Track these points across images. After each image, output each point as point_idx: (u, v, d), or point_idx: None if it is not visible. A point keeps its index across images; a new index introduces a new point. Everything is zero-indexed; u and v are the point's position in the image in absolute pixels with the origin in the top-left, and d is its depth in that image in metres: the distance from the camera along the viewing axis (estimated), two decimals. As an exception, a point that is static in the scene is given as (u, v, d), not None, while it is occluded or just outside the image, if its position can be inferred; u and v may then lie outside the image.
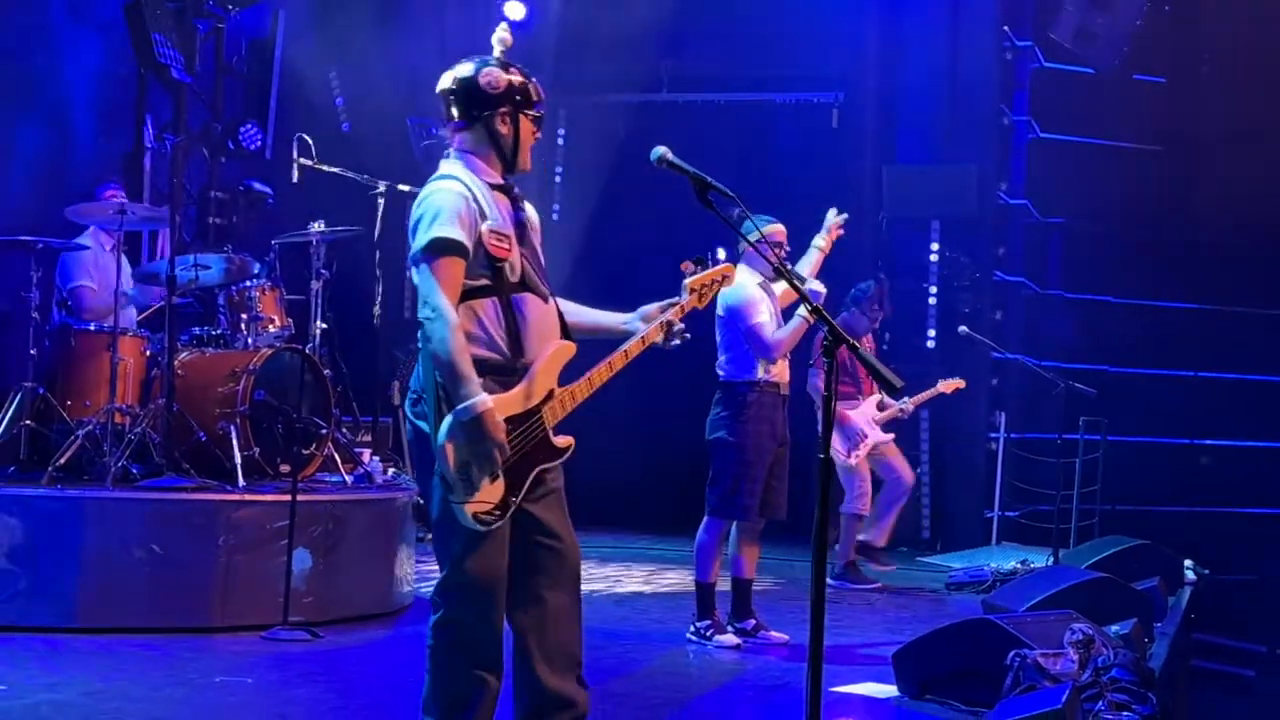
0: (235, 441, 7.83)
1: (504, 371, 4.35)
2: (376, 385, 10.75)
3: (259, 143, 10.82)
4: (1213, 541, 11.61)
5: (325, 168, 9.53)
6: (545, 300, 4.53)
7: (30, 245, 7.90)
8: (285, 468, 7.81)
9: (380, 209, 9.72)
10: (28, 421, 7.70)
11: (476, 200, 4.38)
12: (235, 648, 6.84)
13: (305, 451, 8.04)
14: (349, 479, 8.41)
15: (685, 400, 8.52)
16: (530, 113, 4.58)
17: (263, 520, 7.43)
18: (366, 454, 9.02)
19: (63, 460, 7.54)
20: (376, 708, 5.91)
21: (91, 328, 8.15)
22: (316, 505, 7.67)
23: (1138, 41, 12.73)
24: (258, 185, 10.71)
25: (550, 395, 4.44)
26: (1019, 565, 10.05)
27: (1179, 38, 13.20)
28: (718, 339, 7.53)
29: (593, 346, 4.74)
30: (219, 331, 8.58)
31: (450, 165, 4.51)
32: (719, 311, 7.48)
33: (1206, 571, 10.28)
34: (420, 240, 4.29)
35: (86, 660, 6.34)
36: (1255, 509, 12.94)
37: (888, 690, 6.33)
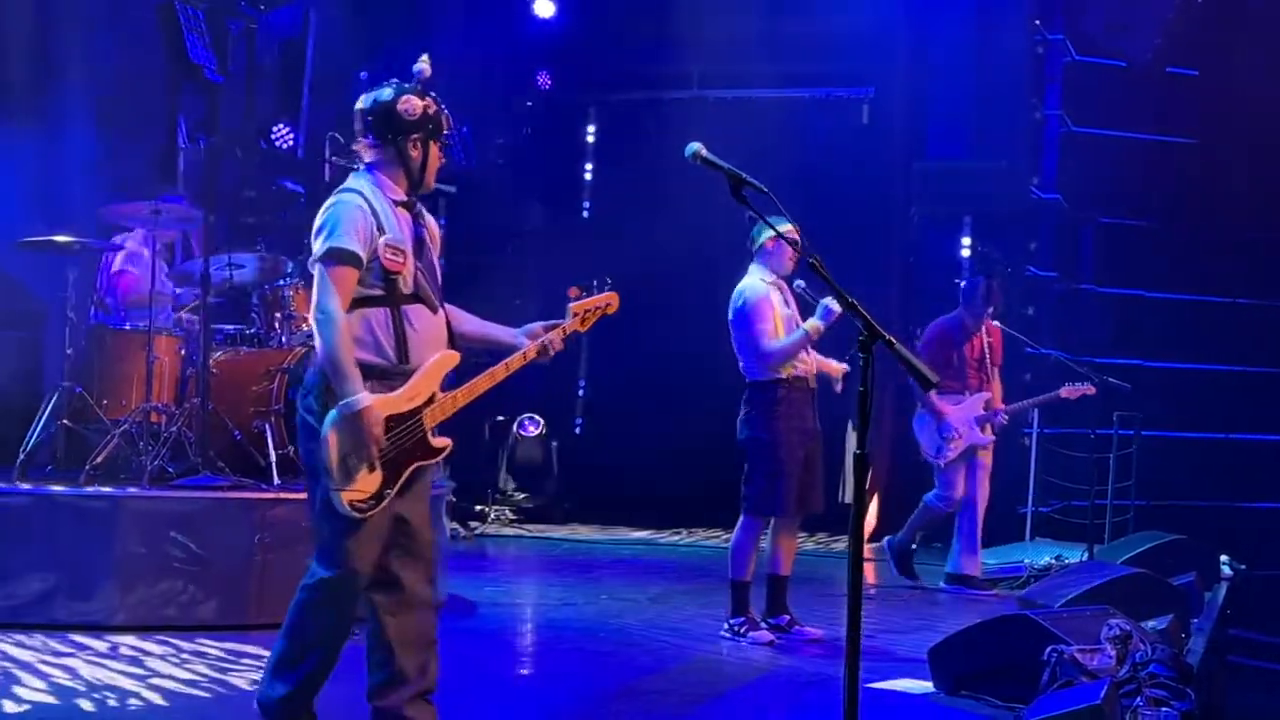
0: (270, 440, 7.87)
1: (390, 376, 4.68)
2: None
3: (291, 142, 10.86)
4: (1249, 536, 11.55)
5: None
6: (435, 311, 4.86)
7: (66, 245, 7.95)
8: (319, 466, 7.84)
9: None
10: (64, 421, 7.74)
11: (376, 215, 4.69)
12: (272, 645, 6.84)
13: (339, 450, 8.05)
14: (383, 477, 8.42)
15: (714, 401, 8.53)
16: (440, 139, 4.93)
17: (297, 518, 7.43)
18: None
19: (99, 459, 7.59)
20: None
21: (127, 326, 8.19)
22: (351, 503, 7.70)
23: (1170, 33, 12.66)
24: (290, 184, 10.74)
25: (432, 399, 4.77)
26: (1053, 561, 10.01)
27: (1212, 29, 13.09)
28: (733, 340, 7.60)
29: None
30: (253, 330, 8.62)
31: (357, 180, 4.82)
32: (731, 314, 7.57)
33: (1243, 566, 10.23)
34: (318, 248, 4.63)
35: (125, 660, 6.36)
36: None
37: (923, 686, 6.32)
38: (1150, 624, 6.36)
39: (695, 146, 4.42)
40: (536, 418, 13.83)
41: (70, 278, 7.99)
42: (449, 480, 9.23)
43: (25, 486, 7.37)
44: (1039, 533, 11.71)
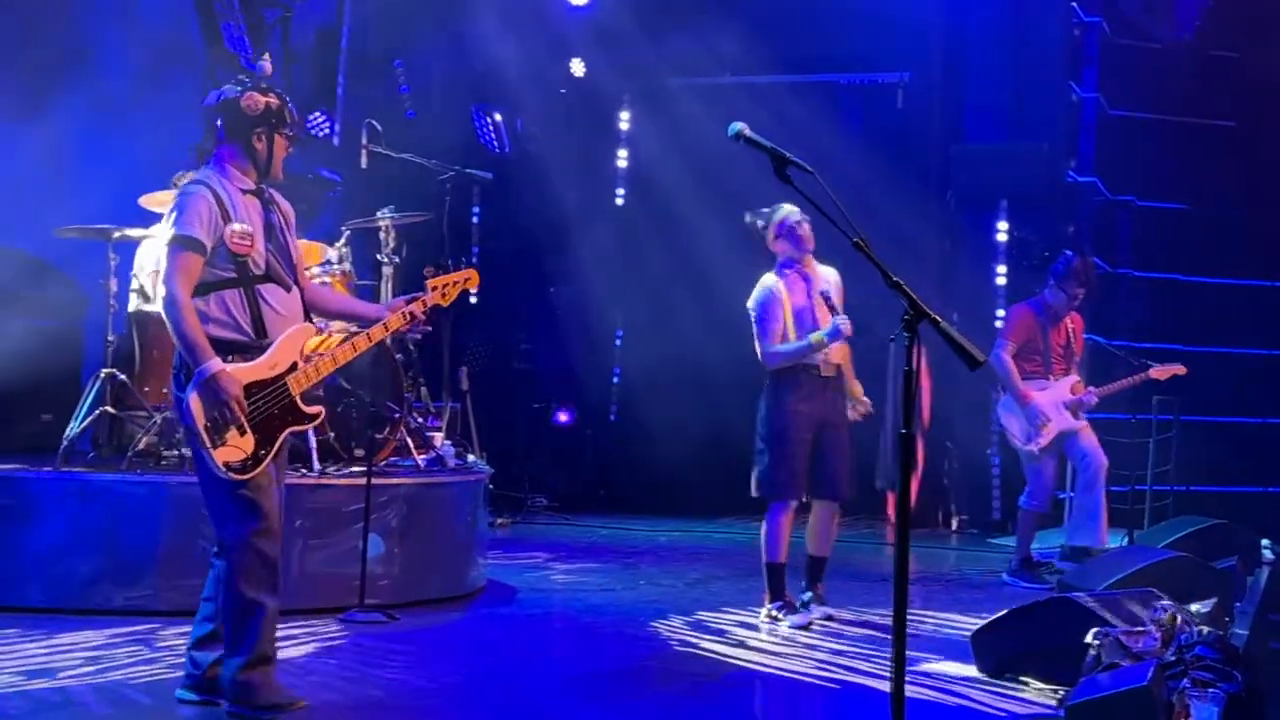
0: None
1: (249, 350, 5.14)
2: (446, 371, 10.79)
3: (327, 130, 10.89)
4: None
5: (395, 154, 9.59)
6: (288, 289, 5.32)
7: (107, 233, 8.01)
8: (359, 452, 7.87)
9: (449, 194, 9.76)
10: (106, 407, 7.78)
11: (222, 204, 5.14)
12: (314, 630, 6.89)
13: (379, 436, 8.08)
14: (422, 463, 8.46)
15: (748, 388, 8.54)
16: (284, 131, 5.33)
17: (338, 504, 7.50)
18: (438, 438, 9.07)
19: (140, 445, 7.62)
20: (463, 688, 5.96)
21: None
22: (390, 489, 7.74)
23: (1209, 14, 12.57)
24: (326, 172, 10.77)
25: (294, 367, 5.20)
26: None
27: (1252, 10, 12.99)
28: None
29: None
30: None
31: (207, 172, 5.29)
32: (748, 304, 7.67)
33: (1286, 551, 10.16)
34: (167, 232, 5.10)
35: (170, 645, 6.40)
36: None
37: (967, 669, 6.31)
38: (1194, 607, 6.32)
39: (739, 126, 4.41)
40: (571, 407, 13.87)
41: (111, 265, 8.05)
42: (488, 467, 9.26)
43: (69, 472, 7.42)
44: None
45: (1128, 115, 13.14)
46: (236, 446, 4.99)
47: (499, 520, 11.53)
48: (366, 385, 8.08)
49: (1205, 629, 5.79)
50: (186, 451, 7.49)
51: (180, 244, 5.05)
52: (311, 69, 11.32)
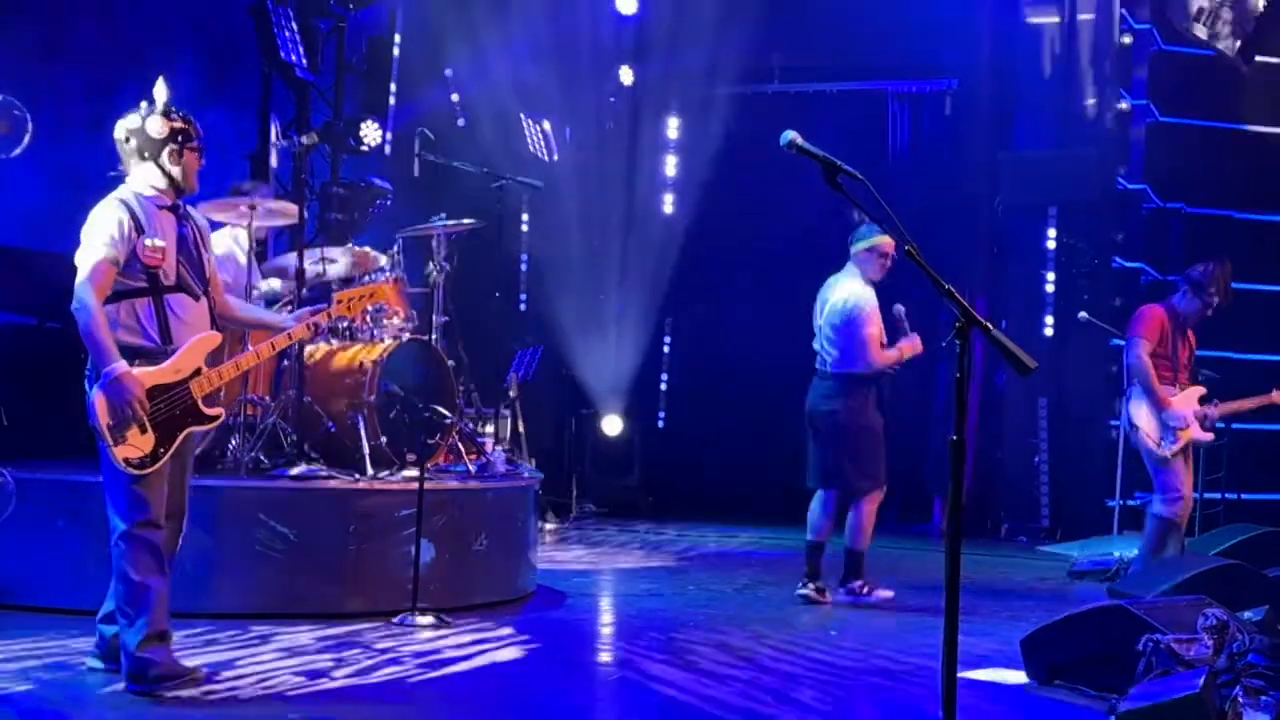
0: (363, 431, 7.94)
1: (155, 355, 5.46)
2: (496, 376, 10.86)
3: (379, 139, 10.96)
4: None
5: (449, 162, 9.66)
6: (197, 299, 5.64)
7: (163, 241, 8.08)
8: (411, 457, 7.92)
9: (501, 202, 9.82)
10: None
11: (136, 218, 5.46)
12: (371, 634, 6.93)
13: (430, 441, 8.12)
14: (473, 468, 8.51)
15: (795, 394, 8.58)
16: (192, 145, 5.66)
17: (391, 508, 7.54)
18: (489, 443, 9.12)
19: (197, 450, 7.68)
20: (523, 692, 5.97)
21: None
22: (442, 493, 7.78)
23: (1261, 22, 12.49)
24: (378, 181, 10.84)
25: (198, 372, 5.52)
26: (1142, 553, 9.89)
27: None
28: (830, 334, 8.27)
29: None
30: (346, 324, 8.69)
31: (124, 190, 5.59)
32: (836, 311, 8.20)
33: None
34: (82, 245, 5.40)
35: (228, 647, 6.46)
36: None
37: (1017, 676, 6.30)
38: (1246, 615, 6.29)
39: (791, 135, 4.42)
40: (619, 414, 13.91)
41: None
42: (537, 473, 9.30)
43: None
44: (1127, 526, 11.60)
45: (1178, 122, 13.06)
46: (135, 445, 5.35)
47: (548, 525, 11.58)
48: (419, 392, 8.13)
49: (1257, 637, 5.76)
50: (245, 455, 7.61)
51: (96, 254, 5.38)
52: (364, 78, 11.40)
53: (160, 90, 5.77)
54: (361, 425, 7.96)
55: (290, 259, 8.51)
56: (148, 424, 5.35)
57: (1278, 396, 9.11)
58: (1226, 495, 10.87)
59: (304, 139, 9.21)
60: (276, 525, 7.27)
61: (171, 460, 5.49)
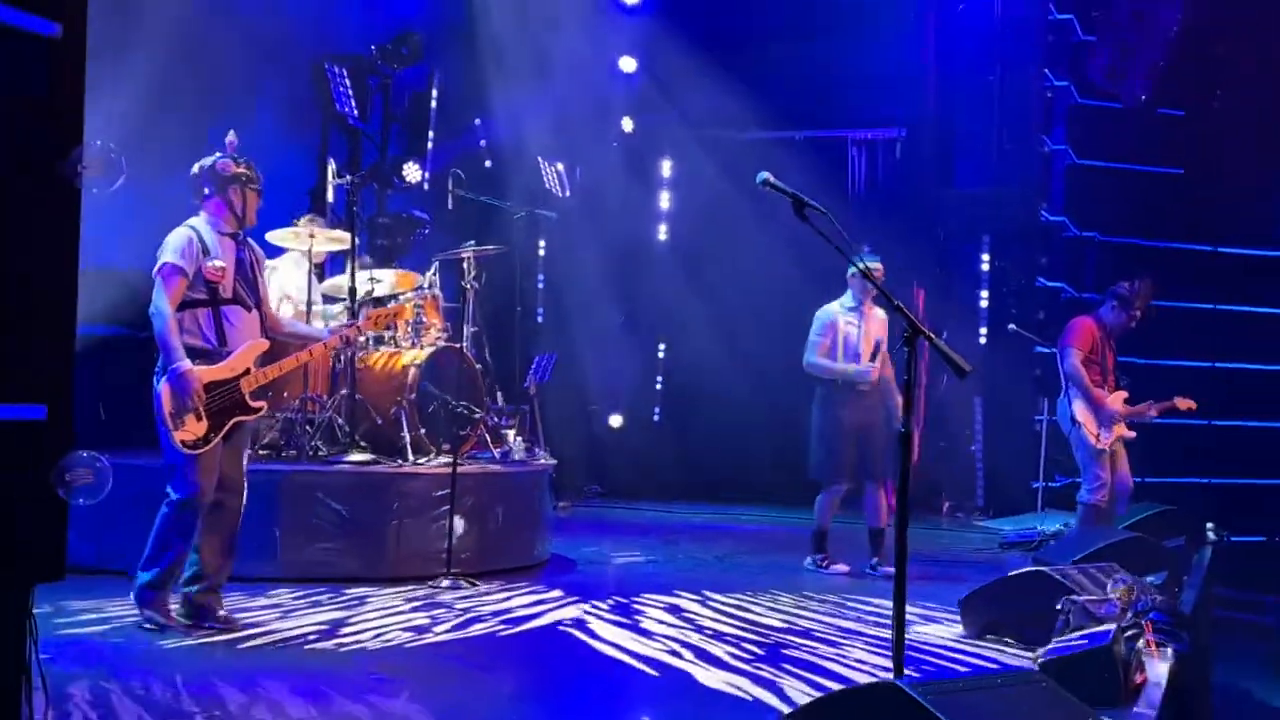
0: (405, 424, 7.95)
1: (212, 356, 5.65)
2: (517, 378, 10.86)
3: (419, 177, 10.97)
4: (1228, 508, 11.39)
5: (476, 197, 9.66)
6: (249, 311, 5.80)
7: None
8: (445, 446, 7.92)
9: (521, 231, 9.82)
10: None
11: (203, 241, 5.66)
12: (411, 595, 6.94)
13: (462, 432, 8.14)
14: (497, 455, 8.51)
15: (770, 395, 8.62)
16: (253, 188, 5.84)
17: (428, 489, 7.56)
18: (511, 434, 9.12)
19: (266, 440, 7.71)
20: (541, 644, 5.97)
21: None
22: (471, 476, 7.79)
23: (1160, 79, 12.53)
24: (418, 213, 10.85)
25: (247, 372, 5.71)
26: (1062, 528, 9.93)
27: (1196, 75, 12.95)
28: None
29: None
30: (391, 333, 8.70)
31: (197, 219, 5.77)
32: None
33: (1225, 533, 10.07)
34: (159, 261, 5.57)
35: (294, 605, 6.47)
36: (1264, 480, 12.71)
37: (955, 631, 6.31)
38: (1148, 579, 6.29)
39: (765, 175, 4.43)
40: (622, 412, 13.92)
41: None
42: (552, 459, 9.29)
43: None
44: (1048, 505, 11.62)
45: (1092, 164, 13.08)
46: (191, 430, 5.51)
47: (561, 504, 11.57)
48: (452, 391, 8.15)
49: (1158, 598, 5.77)
50: (306, 444, 7.61)
51: (171, 269, 5.56)
52: (406, 126, 11.40)
53: (231, 139, 5.93)
54: (404, 419, 7.97)
55: (343, 279, 8.51)
56: (203, 412, 5.52)
57: (1179, 402, 9.08)
58: (1134, 479, 10.85)
59: (356, 178, 9.22)
60: (332, 504, 7.28)
61: (223, 443, 5.64)
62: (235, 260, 5.76)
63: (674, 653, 5.70)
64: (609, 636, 6.03)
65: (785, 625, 6.46)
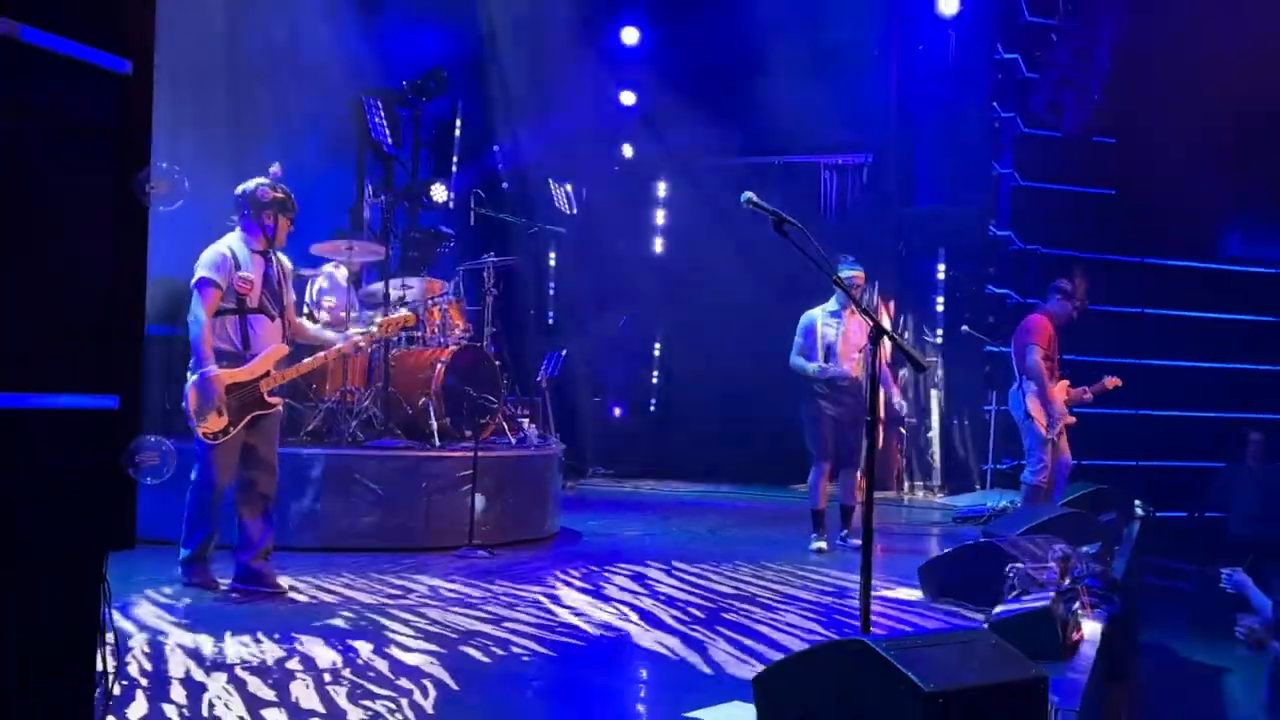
0: (433, 413, 7.96)
1: (238, 359, 5.68)
2: (530, 373, 10.86)
3: (445, 197, 10.96)
4: (1154, 486, 11.40)
5: (497, 214, 9.65)
6: (273, 319, 5.80)
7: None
8: (468, 433, 7.93)
9: (534, 244, 9.80)
10: (286, 400, 7.83)
11: (235, 257, 5.68)
12: (438, 561, 6.95)
13: (482, 421, 8.14)
14: (514, 441, 8.51)
15: (756, 388, 8.58)
16: (286, 214, 5.83)
17: (452, 470, 7.56)
18: (526, 423, 9.12)
19: (310, 427, 7.71)
20: (545, 601, 5.98)
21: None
22: (491, 460, 7.78)
23: (1095, 111, 12.54)
24: (443, 228, 10.85)
25: (268, 374, 5.73)
26: (1009, 504, 9.92)
27: (1128, 107, 12.96)
28: None
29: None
30: (420, 333, 8.71)
31: (231, 235, 5.79)
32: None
33: (1151, 509, 10.09)
34: (196, 275, 5.62)
35: (336, 569, 6.47)
36: (1185, 462, 12.73)
37: (915, 594, 6.30)
38: (1084, 549, 6.29)
39: (748, 194, 4.42)
40: (622, 401, 13.91)
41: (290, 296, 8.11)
42: (561, 444, 9.29)
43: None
44: (996, 483, 11.63)
45: (1035, 186, 13.08)
46: (212, 424, 5.58)
47: (569, 483, 11.57)
48: (474, 384, 8.15)
49: (1092, 566, 5.78)
50: (346, 430, 7.60)
51: (202, 282, 5.61)
52: (433, 152, 11.40)
53: (275, 169, 5.93)
54: (431, 409, 7.98)
55: (379, 286, 8.52)
56: (223, 410, 5.58)
57: (1108, 382, 8.89)
58: (1072, 461, 10.85)
59: (389, 197, 9.23)
60: (369, 483, 7.28)
61: (248, 430, 5.71)
62: (263, 275, 5.78)
63: (622, 615, 5.62)
64: (569, 601, 5.96)
65: (734, 592, 6.38)
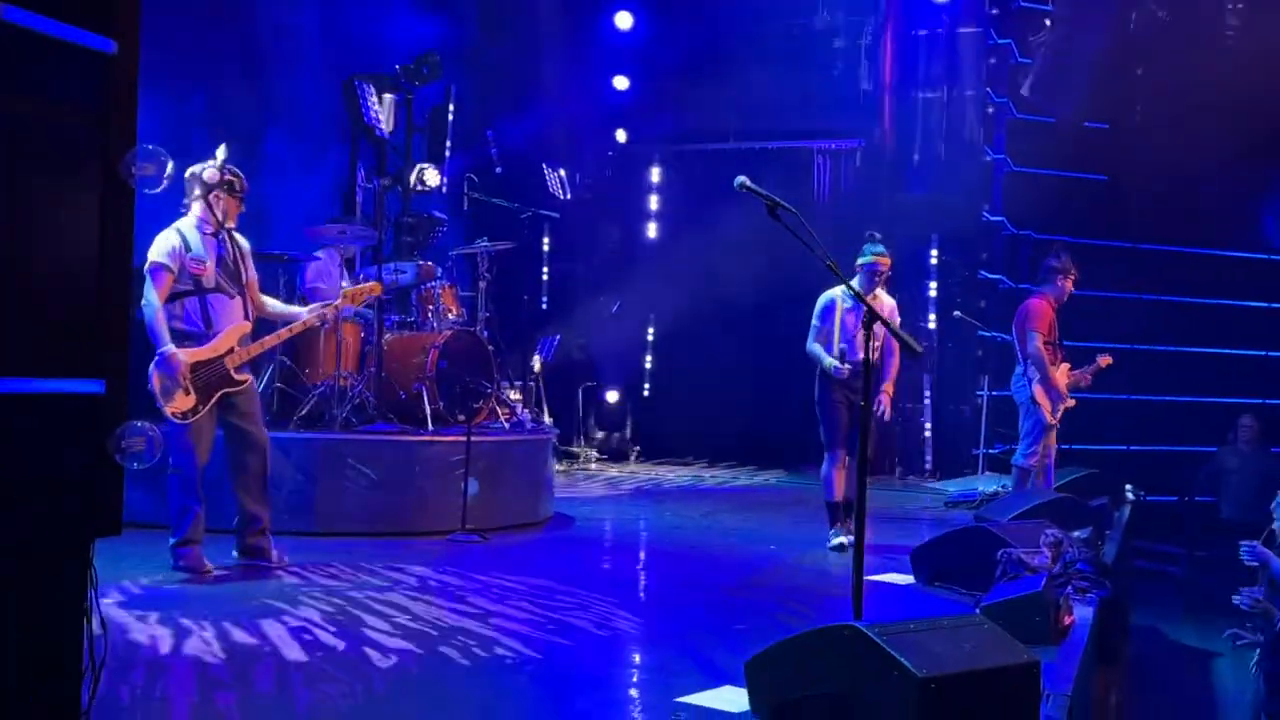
0: (425, 398, 7.93)
1: (199, 338, 5.74)
2: (524, 357, 10.82)
3: (437, 182, 10.88)
4: (1145, 471, 11.41)
5: (490, 199, 9.59)
6: (232, 298, 5.85)
7: (279, 257, 8.05)
8: (461, 417, 7.90)
9: (528, 229, 9.76)
10: (279, 384, 7.83)
11: (186, 240, 5.74)
12: (429, 546, 6.93)
13: (475, 405, 8.12)
14: (506, 425, 8.48)
15: (746, 373, 8.53)
16: (235, 194, 5.90)
17: (445, 455, 7.53)
18: (519, 407, 9.09)
19: (303, 412, 7.66)
20: (539, 586, 5.97)
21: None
22: (484, 444, 7.76)
23: (1087, 97, 12.51)
24: (437, 213, 10.78)
25: (231, 351, 5.78)
26: (1000, 489, 9.92)
27: (1119, 93, 12.93)
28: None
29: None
30: (413, 319, 8.67)
31: (183, 220, 5.83)
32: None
33: (1141, 493, 10.10)
34: (147, 260, 5.66)
35: (326, 554, 6.45)
36: (1176, 447, 12.74)
37: (907, 579, 6.31)
38: (1075, 534, 6.30)
39: (741, 179, 4.40)
40: (616, 387, 13.88)
41: (281, 280, 8.08)
42: (554, 428, 9.26)
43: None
44: (989, 468, 11.63)
45: (1027, 171, 13.05)
46: (180, 403, 5.63)
47: (562, 467, 11.55)
48: (467, 369, 8.12)
49: (1084, 550, 5.78)
50: (339, 415, 7.57)
51: (155, 268, 5.67)
52: (426, 137, 11.31)
53: (220, 151, 5.97)
54: (424, 393, 7.95)
55: (372, 271, 8.47)
56: (190, 389, 5.64)
57: (1101, 361, 8.70)
58: (1062, 446, 10.85)
59: (383, 182, 9.16)
60: (362, 468, 7.26)
61: (222, 412, 5.80)
62: (216, 256, 5.84)
63: (613, 600, 5.61)
64: (559, 586, 5.95)
65: (725, 577, 6.38)
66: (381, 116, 9.78)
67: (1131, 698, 6.72)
